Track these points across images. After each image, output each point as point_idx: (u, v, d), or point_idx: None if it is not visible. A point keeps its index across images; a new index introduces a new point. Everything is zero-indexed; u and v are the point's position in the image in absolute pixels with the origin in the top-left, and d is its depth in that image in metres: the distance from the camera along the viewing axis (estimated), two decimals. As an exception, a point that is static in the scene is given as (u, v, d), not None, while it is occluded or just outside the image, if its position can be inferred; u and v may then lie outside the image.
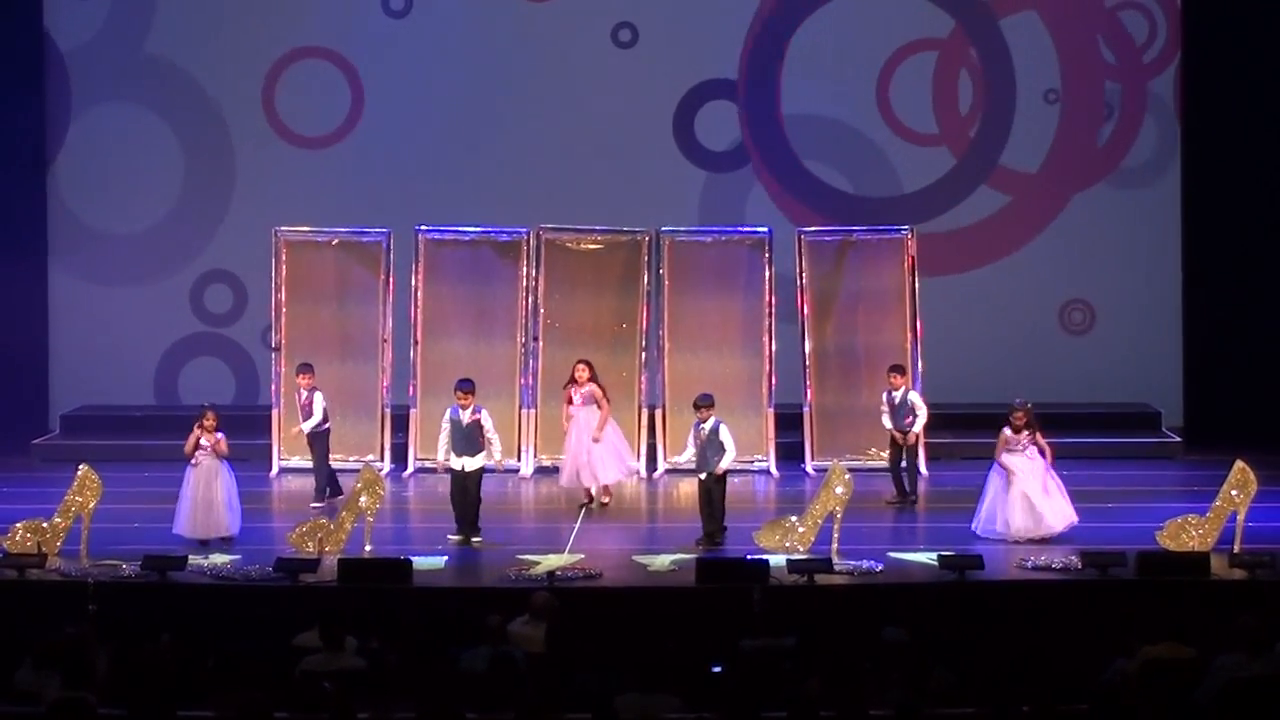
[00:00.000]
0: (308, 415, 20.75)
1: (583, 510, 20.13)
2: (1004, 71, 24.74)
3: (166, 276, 24.90)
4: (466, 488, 18.88)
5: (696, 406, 19.02)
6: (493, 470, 19.26)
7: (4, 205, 24.45)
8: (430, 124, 24.85)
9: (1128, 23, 24.69)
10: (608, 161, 24.74)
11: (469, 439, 18.97)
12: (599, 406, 20.32)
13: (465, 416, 19.01)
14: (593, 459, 20.24)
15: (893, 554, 18.04)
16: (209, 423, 18.75)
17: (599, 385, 20.41)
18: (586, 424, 20.30)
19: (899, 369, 21.08)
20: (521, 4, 24.79)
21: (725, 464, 18.67)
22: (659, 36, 24.82)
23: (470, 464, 18.92)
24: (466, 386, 19.16)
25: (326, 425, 20.78)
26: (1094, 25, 24.70)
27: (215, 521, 18.61)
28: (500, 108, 24.82)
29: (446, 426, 19.06)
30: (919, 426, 20.75)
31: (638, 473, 21.68)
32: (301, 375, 20.88)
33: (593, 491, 20.45)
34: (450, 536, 18.81)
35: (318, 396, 20.74)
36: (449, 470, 18.97)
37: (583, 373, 20.37)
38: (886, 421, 20.76)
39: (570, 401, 20.49)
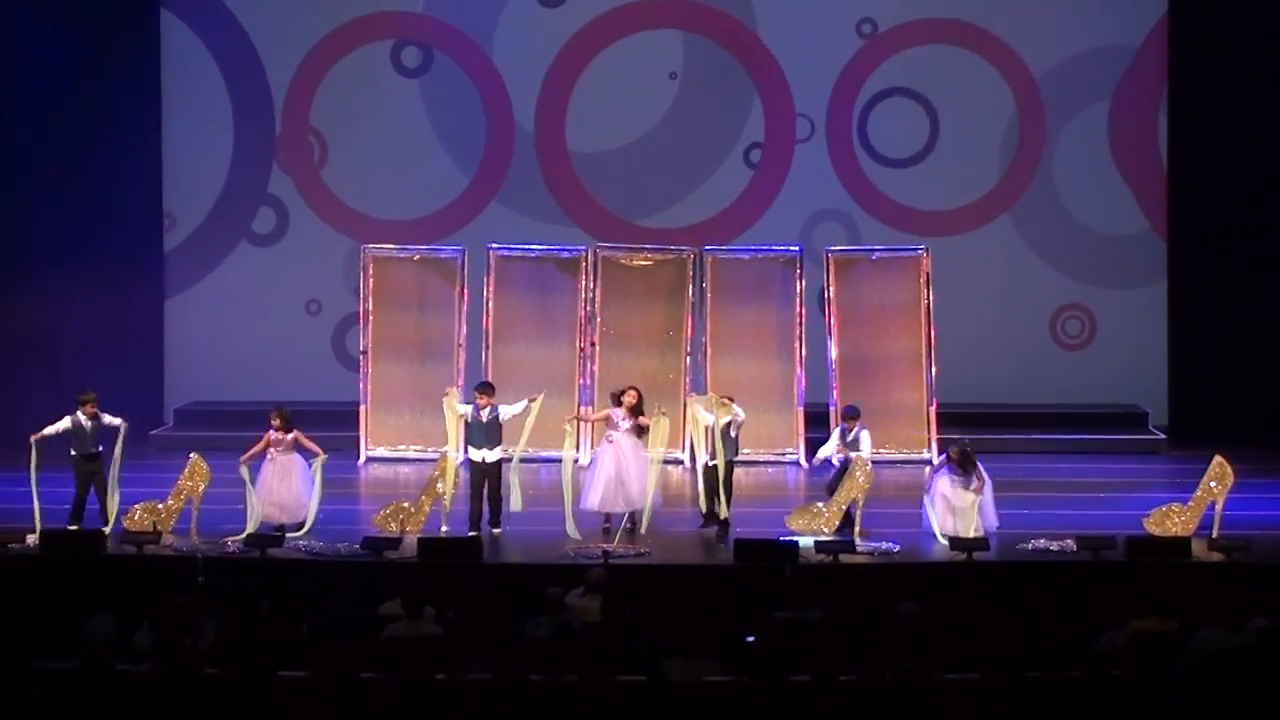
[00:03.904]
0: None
1: (618, 533, 18.33)
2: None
3: (273, 285, 25.00)
4: (486, 479, 18.49)
5: (845, 417, 18.83)
6: (508, 460, 18.41)
7: (120, 216, 24.49)
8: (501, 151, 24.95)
9: (1114, 50, 24.56)
10: (668, 179, 24.77)
11: (487, 434, 18.53)
12: (639, 435, 18.52)
13: (484, 415, 18.55)
14: (629, 484, 18.36)
15: (909, 536, 18.01)
16: (276, 422, 18.48)
17: (643, 418, 18.56)
18: (626, 450, 18.43)
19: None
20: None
21: (866, 450, 18.42)
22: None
23: (490, 456, 18.49)
24: (486, 389, 18.84)
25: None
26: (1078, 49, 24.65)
27: (288, 509, 18.31)
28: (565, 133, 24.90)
29: (460, 424, 18.70)
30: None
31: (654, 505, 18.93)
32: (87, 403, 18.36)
33: (612, 519, 18.57)
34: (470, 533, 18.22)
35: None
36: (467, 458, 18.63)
37: (631, 398, 18.51)
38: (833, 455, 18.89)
39: (609, 419, 18.70)
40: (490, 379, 21.72)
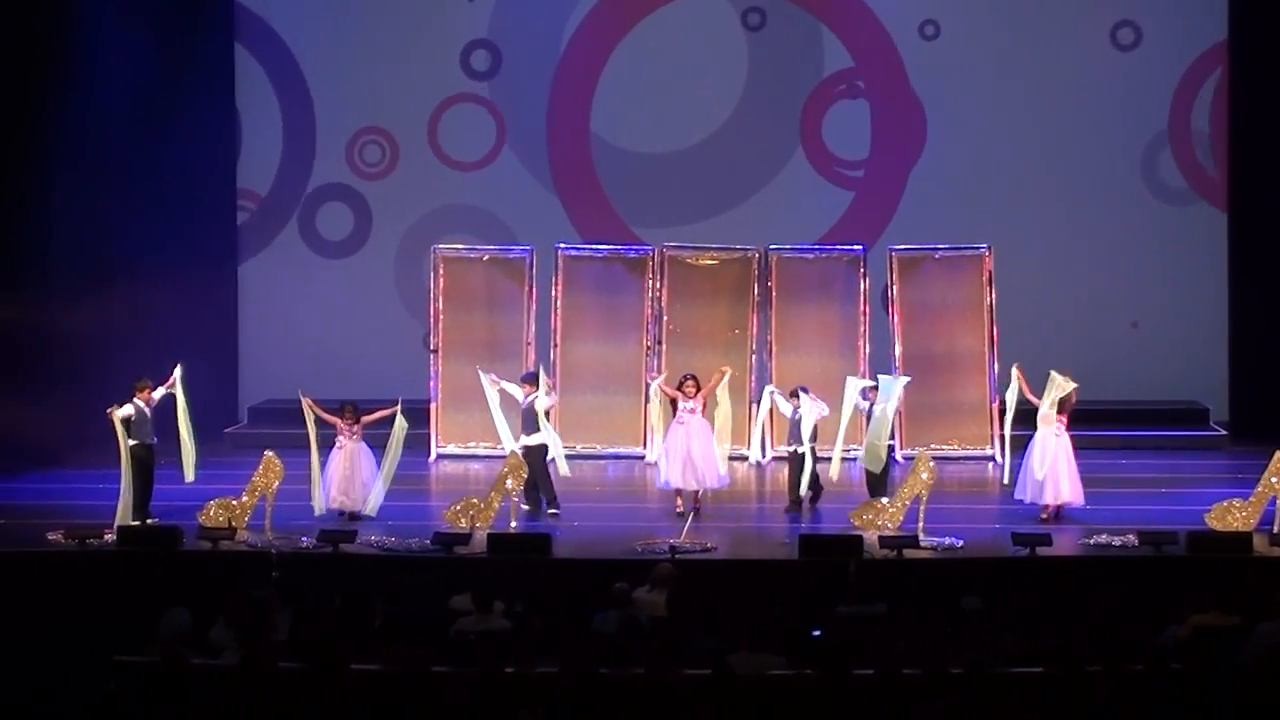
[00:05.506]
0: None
1: (690, 516, 18.94)
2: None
3: (346, 284, 25.09)
4: (534, 463, 19.02)
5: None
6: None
7: (197, 217, 24.59)
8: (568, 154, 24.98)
9: (1175, 44, 24.45)
10: (732, 177, 24.71)
11: (527, 420, 19.35)
12: (704, 412, 19.27)
13: (524, 403, 19.41)
14: (698, 464, 18.96)
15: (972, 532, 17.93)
16: (348, 418, 18.90)
17: (704, 390, 19.29)
18: (695, 431, 19.11)
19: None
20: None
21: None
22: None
23: (530, 441, 19.20)
24: (530, 379, 19.65)
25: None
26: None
27: (355, 497, 18.71)
28: (629, 136, 24.90)
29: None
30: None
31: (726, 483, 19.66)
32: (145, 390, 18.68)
33: (685, 498, 19.15)
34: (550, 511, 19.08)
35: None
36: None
37: (691, 387, 19.05)
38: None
39: (675, 403, 19.24)
40: (558, 377, 21.85)
